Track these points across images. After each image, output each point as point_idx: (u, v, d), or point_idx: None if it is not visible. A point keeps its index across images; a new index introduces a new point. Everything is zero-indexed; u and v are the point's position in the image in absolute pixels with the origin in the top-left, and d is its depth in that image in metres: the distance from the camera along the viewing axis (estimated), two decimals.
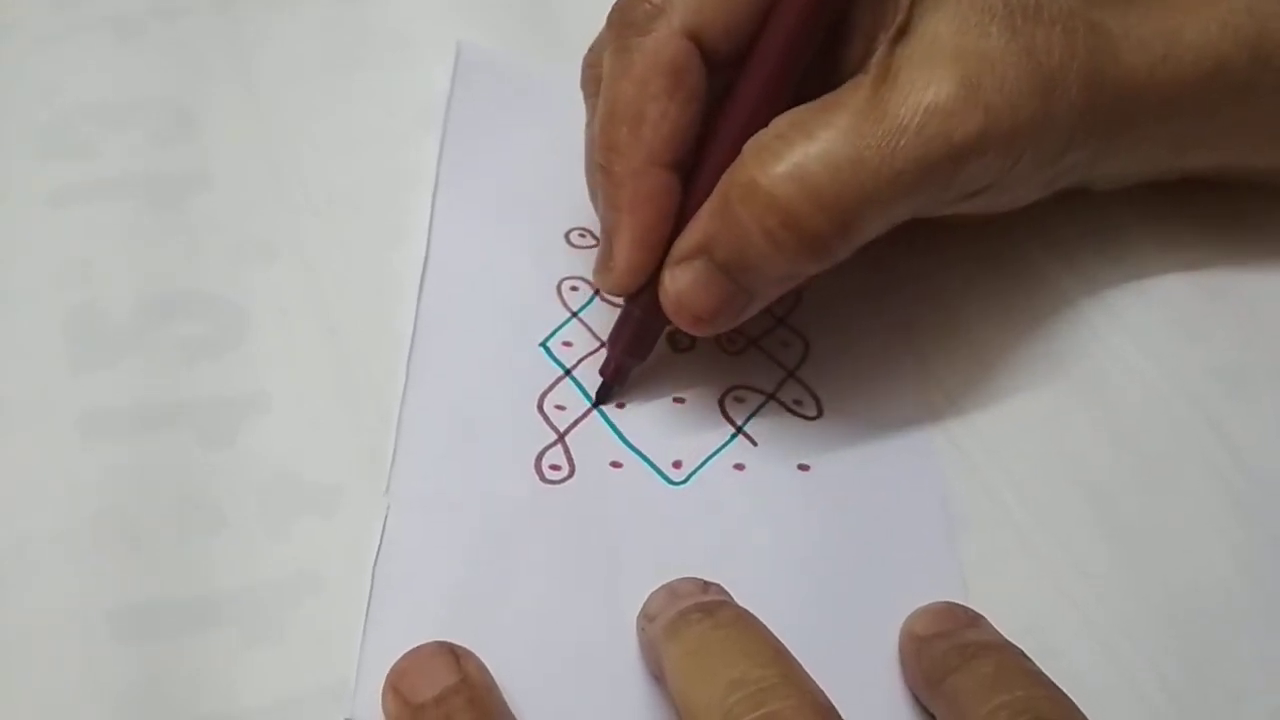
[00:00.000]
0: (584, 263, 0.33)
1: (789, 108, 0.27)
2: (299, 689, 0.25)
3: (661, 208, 0.28)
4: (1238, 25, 0.30)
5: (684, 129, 0.28)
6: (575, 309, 0.32)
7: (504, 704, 0.24)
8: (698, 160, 0.28)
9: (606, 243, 0.29)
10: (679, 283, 0.28)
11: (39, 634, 0.25)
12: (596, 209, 0.31)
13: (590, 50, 0.31)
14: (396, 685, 0.24)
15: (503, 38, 0.39)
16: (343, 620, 0.26)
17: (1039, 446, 0.30)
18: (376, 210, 0.34)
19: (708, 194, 0.27)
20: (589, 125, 0.31)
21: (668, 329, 0.30)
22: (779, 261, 0.27)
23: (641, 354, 0.30)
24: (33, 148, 0.34)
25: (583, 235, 0.34)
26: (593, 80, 0.30)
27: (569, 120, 0.37)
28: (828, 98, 0.27)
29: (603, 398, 0.30)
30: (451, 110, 0.36)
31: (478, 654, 0.25)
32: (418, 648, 0.24)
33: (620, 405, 0.30)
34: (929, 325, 0.33)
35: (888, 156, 0.26)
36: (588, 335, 0.32)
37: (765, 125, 0.27)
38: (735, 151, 0.27)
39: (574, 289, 0.33)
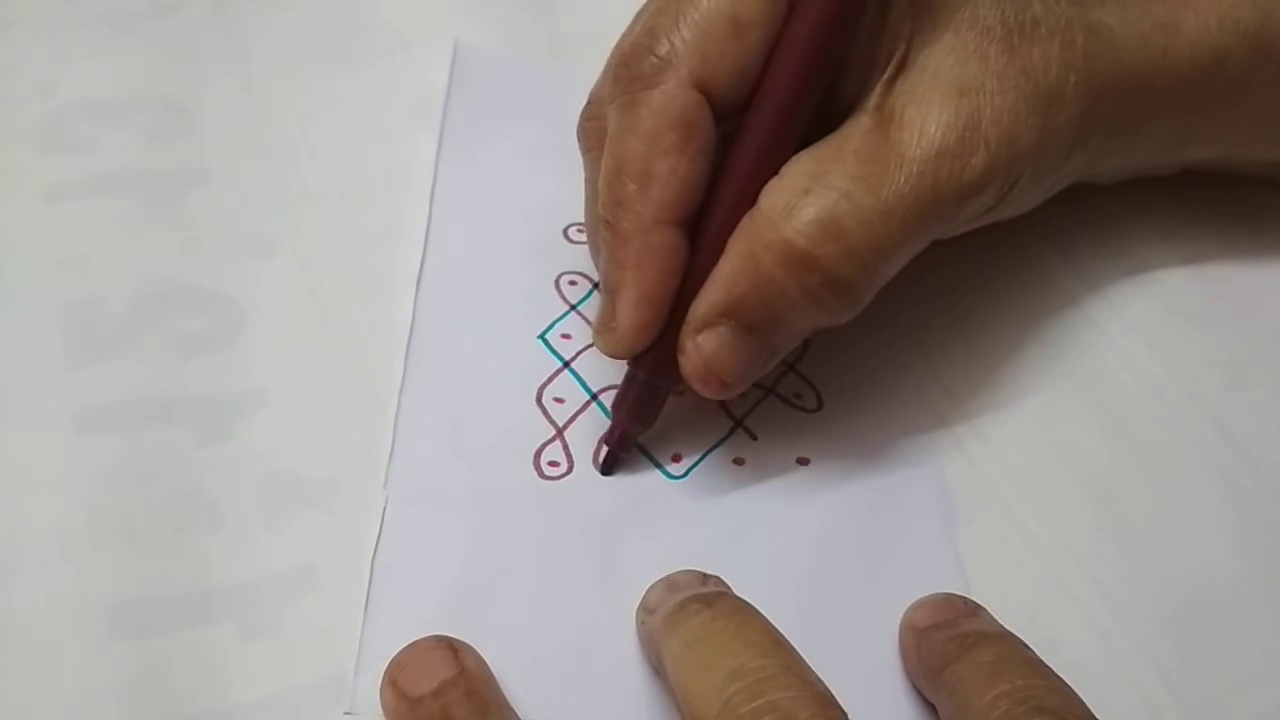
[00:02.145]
0: (582, 257, 0.33)
1: (795, 152, 0.26)
2: (297, 683, 0.25)
3: (668, 266, 0.27)
4: (1238, 18, 0.30)
5: (693, 185, 0.27)
6: (574, 302, 0.32)
7: (502, 697, 0.24)
8: (703, 212, 0.27)
9: (609, 302, 0.27)
10: (704, 349, 0.27)
11: (36, 629, 0.25)
12: (596, 264, 0.30)
13: (589, 103, 0.30)
14: (395, 678, 0.24)
15: (501, 34, 0.39)
16: (341, 614, 0.26)
17: (1038, 439, 0.30)
18: (374, 206, 0.34)
19: (715, 249, 0.26)
20: (589, 180, 0.30)
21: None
22: (817, 318, 0.27)
23: (648, 419, 0.29)
24: (30, 143, 0.34)
25: (581, 230, 0.34)
26: (593, 134, 0.29)
27: (566, 117, 0.36)
28: (835, 140, 0.26)
29: (609, 468, 0.29)
30: (449, 107, 0.36)
31: (476, 647, 0.25)
32: (416, 641, 0.24)
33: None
34: (928, 318, 0.33)
35: (910, 204, 0.26)
36: (586, 328, 0.32)
37: (773, 173, 0.26)
38: (744, 203, 0.26)
39: (572, 283, 0.33)
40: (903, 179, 0.26)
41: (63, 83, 0.35)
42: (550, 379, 0.30)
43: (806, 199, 0.26)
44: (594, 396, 0.30)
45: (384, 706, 0.24)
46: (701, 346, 0.27)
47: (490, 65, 0.38)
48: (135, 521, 0.27)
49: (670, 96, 0.26)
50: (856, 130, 0.26)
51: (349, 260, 0.33)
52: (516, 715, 0.24)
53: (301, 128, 0.35)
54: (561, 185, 0.35)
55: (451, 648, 0.24)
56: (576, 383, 0.30)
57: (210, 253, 0.32)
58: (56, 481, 0.27)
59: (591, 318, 0.32)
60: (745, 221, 0.26)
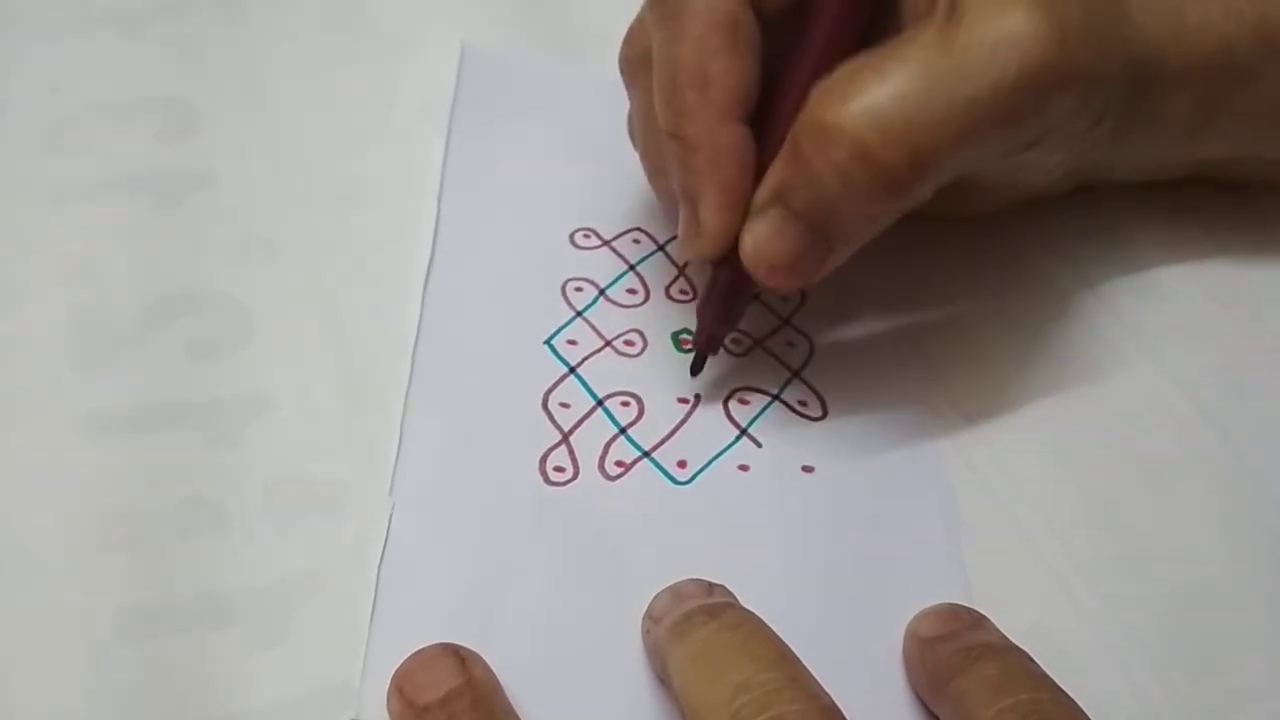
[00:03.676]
0: (588, 263, 0.33)
1: (854, 54, 0.27)
2: (304, 689, 0.25)
3: (742, 163, 0.27)
4: (1240, 10, 0.30)
5: (749, 82, 0.27)
6: (580, 308, 0.32)
7: (509, 706, 0.24)
8: (767, 117, 0.28)
9: (691, 210, 0.28)
10: (756, 234, 0.27)
11: (43, 633, 0.25)
12: (659, 187, 0.31)
13: (628, 35, 0.31)
14: (401, 686, 0.24)
15: (508, 36, 0.39)
16: (348, 620, 0.26)
17: (1042, 447, 0.30)
18: (381, 209, 0.34)
19: (778, 149, 0.27)
20: (636, 112, 0.31)
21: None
22: (852, 200, 0.26)
23: (733, 320, 0.30)
24: (37, 146, 0.34)
25: (587, 236, 0.34)
26: (635, 62, 0.30)
27: (574, 120, 0.37)
28: (895, 40, 0.26)
29: (697, 368, 0.30)
30: (456, 111, 0.36)
31: (482, 653, 0.25)
32: (423, 649, 0.24)
33: (625, 404, 0.30)
34: (934, 327, 0.33)
35: (959, 84, 0.25)
36: (592, 334, 0.32)
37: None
38: (804, 100, 0.26)
39: (578, 289, 0.33)
40: (952, 62, 0.25)
41: (69, 85, 0.35)
42: (556, 384, 0.31)
43: (846, 82, 0.26)
44: (600, 402, 0.30)
45: (390, 714, 0.24)
46: (754, 232, 0.27)
47: (497, 68, 0.38)
48: (142, 526, 0.27)
49: (712, 1, 0.27)
50: (918, 29, 0.26)
51: (356, 263, 0.33)
52: None
53: (309, 130, 0.36)
54: (568, 189, 0.35)
55: (458, 656, 0.24)
56: (582, 388, 0.31)
57: (217, 255, 0.32)
58: (64, 485, 0.27)
59: (597, 324, 0.32)
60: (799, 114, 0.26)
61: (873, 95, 0.25)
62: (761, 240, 0.27)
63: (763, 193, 0.27)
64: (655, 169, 0.31)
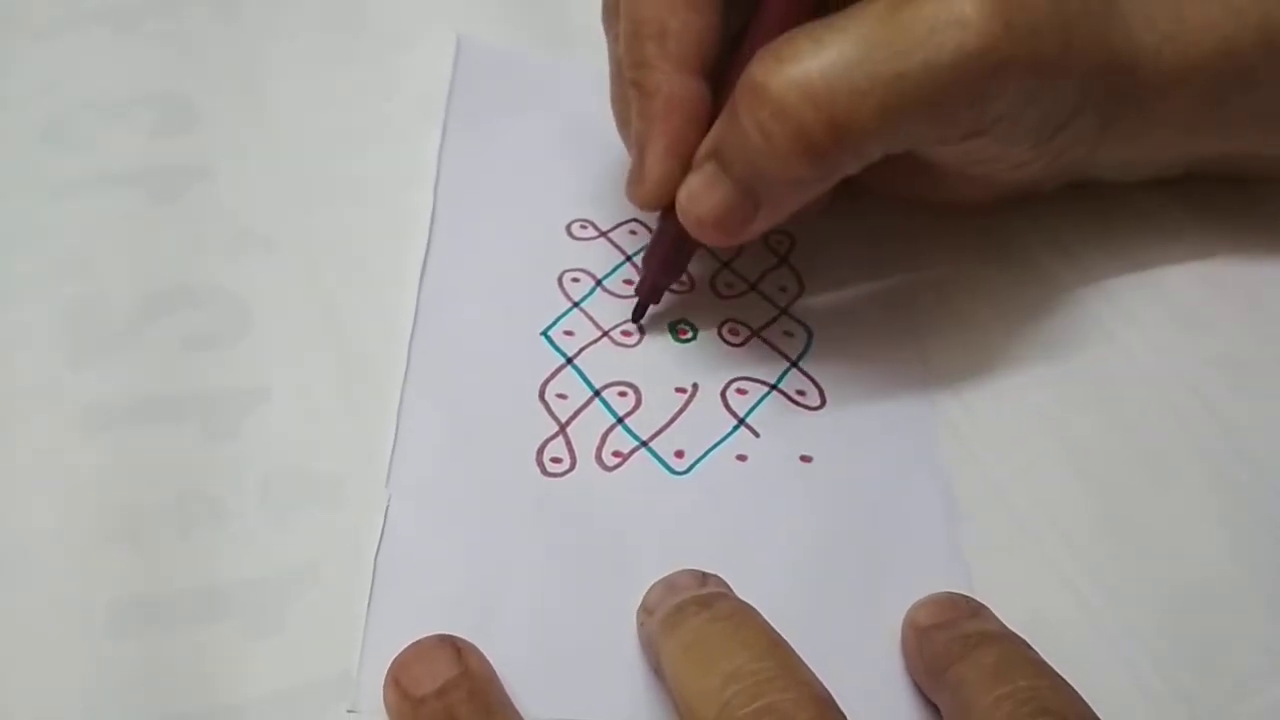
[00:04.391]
0: (585, 254, 0.33)
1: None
2: (301, 681, 0.25)
3: (692, 116, 0.28)
4: (1241, 9, 0.30)
5: (708, 38, 0.28)
6: (577, 299, 0.32)
7: (505, 697, 0.24)
8: (725, 80, 0.28)
9: (639, 156, 0.29)
10: (689, 186, 0.28)
11: (40, 626, 0.25)
12: (627, 140, 0.31)
13: None
14: (398, 678, 0.24)
15: (504, 29, 0.39)
16: (345, 612, 0.26)
17: (1040, 436, 0.30)
18: (378, 202, 0.34)
19: None
20: (611, 56, 0.31)
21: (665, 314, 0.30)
22: (772, 159, 0.26)
23: (675, 272, 0.31)
24: (34, 141, 0.34)
25: (584, 227, 0.34)
26: (610, 10, 0.31)
27: (569, 112, 0.37)
28: (846, 10, 0.26)
29: (638, 316, 0.31)
30: (452, 103, 0.36)
31: (478, 644, 0.25)
32: (419, 640, 0.24)
33: (622, 394, 0.30)
34: (932, 317, 0.33)
35: (889, 58, 0.25)
36: (589, 324, 0.32)
37: None
38: None
39: (575, 280, 0.33)
40: (889, 35, 0.25)
41: (66, 81, 0.35)
42: (553, 375, 0.30)
43: (785, 45, 0.26)
44: (597, 393, 0.30)
45: (387, 706, 0.24)
46: (689, 184, 0.28)
47: (492, 61, 0.38)
48: (139, 519, 0.27)
49: None
50: (869, 5, 0.26)
51: (352, 257, 0.33)
52: (519, 715, 0.24)
53: (306, 125, 0.36)
54: (564, 181, 0.35)
55: (455, 647, 0.24)
56: (579, 379, 0.30)
57: (214, 250, 0.32)
58: (61, 478, 0.27)
59: (594, 315, 0.32)
60: None
61: (803, 60, 0.25)
62: (693, 192, 0.28)
63: (703, 148, 0.28)
64: (622, 119, 0.32)
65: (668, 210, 0.29)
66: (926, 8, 0.25)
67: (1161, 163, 0.33)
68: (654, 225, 0.34)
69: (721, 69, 0.29)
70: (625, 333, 0.32)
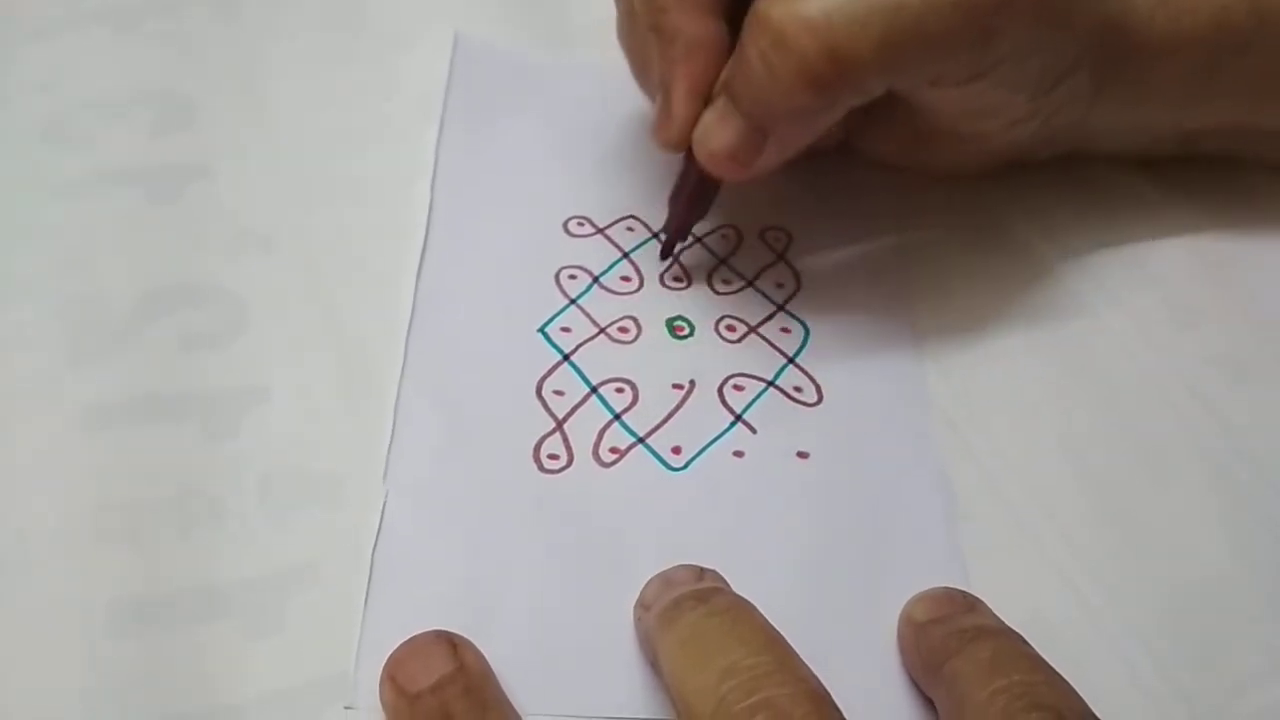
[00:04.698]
0: (582, 251, 0.33)
1: None
2: (300, 678, 0.25)
3: (713, 57, 0.29)
4: None
5: None
6: (574, 296, 0.32)
7: (501, 693, 0.24)
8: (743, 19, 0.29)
9: (665, 99, 0.30)
10: (704, 121, 0.29)
11: (40, 625, 0.25)
12: (646, 85, 0.32)
13: None
14: (393, 674, 0.24)
15: (502, 28, 0.39)
16: (344, 610, 0.26)
17: (1039, 432, 0.30)
18: (375, 200, 0.34)
19: None
20: (619, 11, 0.32)
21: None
22: (775, 88, 0.27)
23: (701, 210, 0.32)
24: (33, 140, 0.34)
25: (581, 224, 0.34)
26: None
27: (567, 110, 0.37)
28: None
29: (666, 253, 0.32)
30: (450, 101, 0.36)
31: (476, 642, 0.25)
32: (415, 636, 0.24)
33: (620, 390, 0.30)
34: (929, 313, 0.33)
35: (897, 9, 0.26)
36: (586, 321, 0.32)
37: None
38: None
39: (572, 277, 0.33)
40: None
41: (65, 80, 0.36)
42: (550, 371, 0.30)
43: None
44: (594, 389, 0.30)
45: (383, 702, 0.24)
46: (704, 120, 0.29)
47: (490, 59, 0.38)
48: (138, 518, 0.27)
49: None
50: None
51: (351, 255, 0.33)
52: (515, 711, 0.24)
53: (303, 123, 0.36)
54: (561, 178, 0.35)
55: (450, 643, 0.24)
56: (576, 375, 0.30)
57: (213, 249, 0.32)
58: (60, 477, 0.28)
59: (591, 312, 0.32)
60: None
61: None
62: (706, 127, 0.29)
63: (719, 83, 0.28)
64: (639, 65, 0.32)
65: (690, 150, 0.30)
66: None
67: (1154, 136, 0.33)
68: (654, 223, 0.34)
69: (738, 8, 0.29)
70: (622, 329, 0.32)
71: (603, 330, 0.31)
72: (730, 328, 0.32)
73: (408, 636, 0.24)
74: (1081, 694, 0.23)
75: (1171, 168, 0.34)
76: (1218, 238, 0.34)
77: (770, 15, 0.26)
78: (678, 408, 0.30)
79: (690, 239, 0.33)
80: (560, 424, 0.29)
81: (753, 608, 0.24)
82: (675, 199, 0.32)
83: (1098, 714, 0.22)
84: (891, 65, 0.27)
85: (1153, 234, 0.34)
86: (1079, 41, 0.28)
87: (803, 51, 0.26)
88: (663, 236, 0.32)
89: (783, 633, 0.23)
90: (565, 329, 0.31)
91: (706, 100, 0.29)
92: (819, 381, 0.31)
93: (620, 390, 0.30)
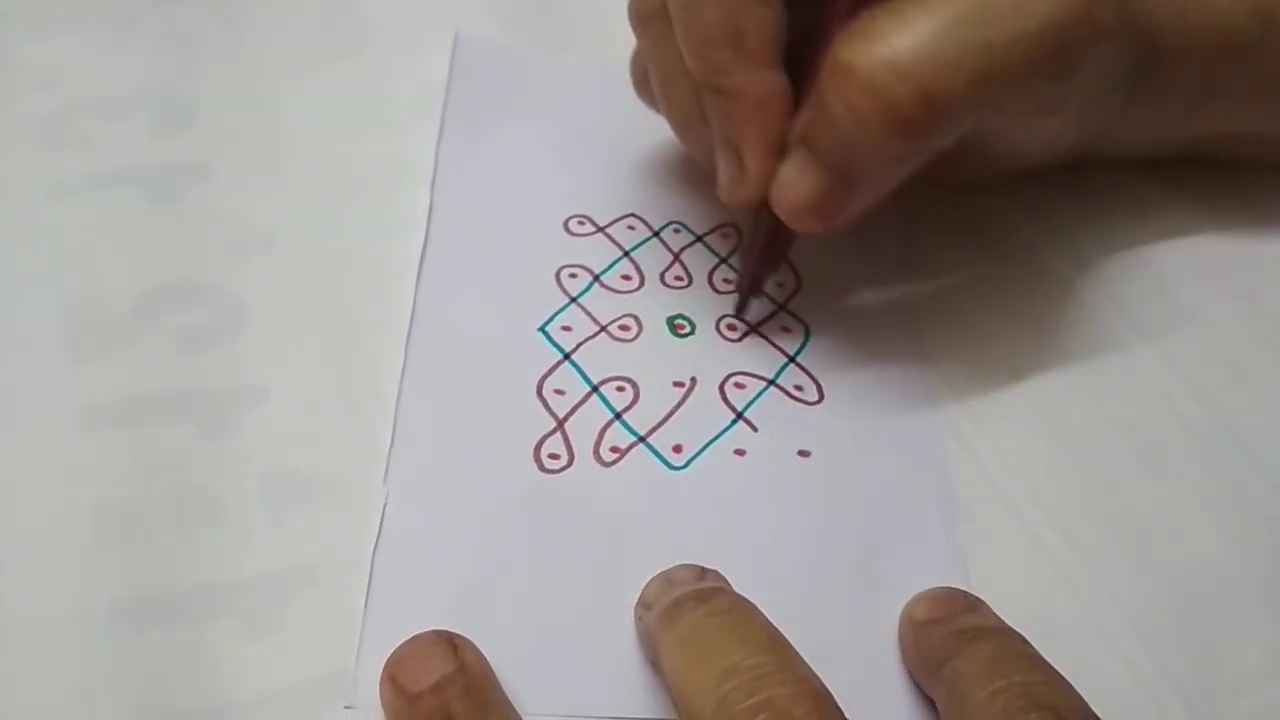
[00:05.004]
0: (583, 250, 0.33)
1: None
2: (299, 678, 0.25)
3: (783, 108, 0.28)
4: None
5: (780, 28, 0.28)
6: (574, 294, 0.32)
7: (501, 693, 0.24)
8: (800, 66, 0.28)
9: (734, 157, 0.29)
10: (782, 176, 0.28)
11: (38, 625, 0.25)
12: (691, 141, 0.31)
13: None
14: (394, 674, 0.24)
15: (502, 25, 0.39)
16: (343, 609, 0.26)
17: (1040, 432, 0.30)
18: (375, 200, 0.34)
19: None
20: (653, 59, 0.31)
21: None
22: (866, 139, 0.26)
23: (775, 264, 0.32)
24: (31, 139, 0.34)
25: (581, 223, 0.34)
26: (649, 15, 0.30)
27: (567, 109, 0.37)
28: None
29: (741, 309, 0.32)
30: (449, 100, 0.36)
31: (476, 642, 0.25)
32: (415, 636, 0.24)
33: (620, 389, 0.30)
34: (930, 313, 0.33)
35: (977, 28, 0.26)
36: (586, 319, 0.32)
37: None
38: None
39: (573, 276, 0.33)
40: (973, 6, 0.26)
41: (63, 79, 0.35)
42: (550, 371, 0.30)
43: (868, 23, 0.26)
44: (594, 388, 0.30)
45: (383, 702, 0.24)
46: (780, 174, 0.28)
47: (490, 57, 0.38)
48: (137, 517, 0.27)
49: None
50: None
51: (350, 254, 0.33)
52: (515, 711, 0.24)
53: (302, 121, 0.35)
54: (562, 177, 0.35)
55: (450, 643, 0.24)
56: (577, 374, 0.30)
57: (212, 247, 0.32)
58: (58, 477, 0.27)
59: (592, 310, 0.32)
60: None
61: (889, 37, 0.26)
62: (786, 181, 0.28)
63: (792, 134, 0.28)
64: (683, 122, 0.31)
65: (761, 204, 0.29)
66: None
67: (1160, 140, 0.34)
68: (654, 222, 0.34)
69: (793, 57, 0.29)
70: (623, 327, 0.32)
71: (604, 328, 0.31)
72: (731, 326, 0.32)
73: (408, 636, 0.24)
74: (1082, 694, 0.23)
75: (1172, 168, 0.34)
76: (1217, 238, 0.34)
77: (855, 63, 0.26)
78: (678, 406, 0.30)
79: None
80: (561, 423, 0.29)
81: (754, 607, 0.24)
82: (747, 254, 0.32)
83: (1098, 714, 0.22)
84: (981, 103, 0.26)
85: (1153, 235, 0.34)
86: (1128, 55, 0.28)
87: (894, 98, 0.25)
88: (662, 239, 0.32)
89: (784, 632, 0.23)
90: (566, 328, 0.31)
91: (780, 155, 0.28)
92: (820, 381, 0.31)
93: (621, 389, 0.30)
